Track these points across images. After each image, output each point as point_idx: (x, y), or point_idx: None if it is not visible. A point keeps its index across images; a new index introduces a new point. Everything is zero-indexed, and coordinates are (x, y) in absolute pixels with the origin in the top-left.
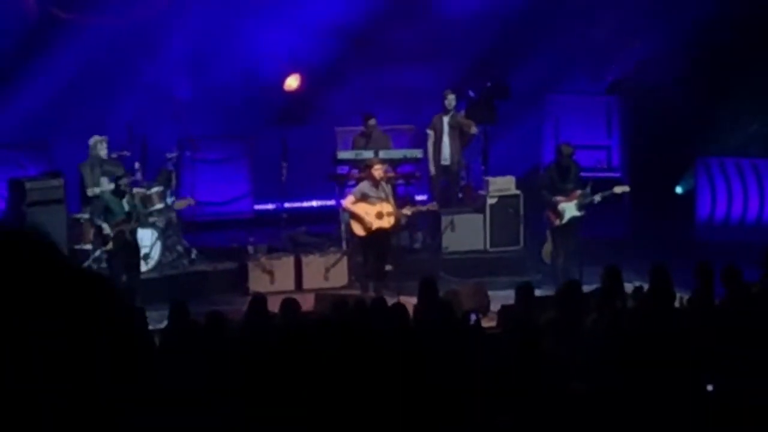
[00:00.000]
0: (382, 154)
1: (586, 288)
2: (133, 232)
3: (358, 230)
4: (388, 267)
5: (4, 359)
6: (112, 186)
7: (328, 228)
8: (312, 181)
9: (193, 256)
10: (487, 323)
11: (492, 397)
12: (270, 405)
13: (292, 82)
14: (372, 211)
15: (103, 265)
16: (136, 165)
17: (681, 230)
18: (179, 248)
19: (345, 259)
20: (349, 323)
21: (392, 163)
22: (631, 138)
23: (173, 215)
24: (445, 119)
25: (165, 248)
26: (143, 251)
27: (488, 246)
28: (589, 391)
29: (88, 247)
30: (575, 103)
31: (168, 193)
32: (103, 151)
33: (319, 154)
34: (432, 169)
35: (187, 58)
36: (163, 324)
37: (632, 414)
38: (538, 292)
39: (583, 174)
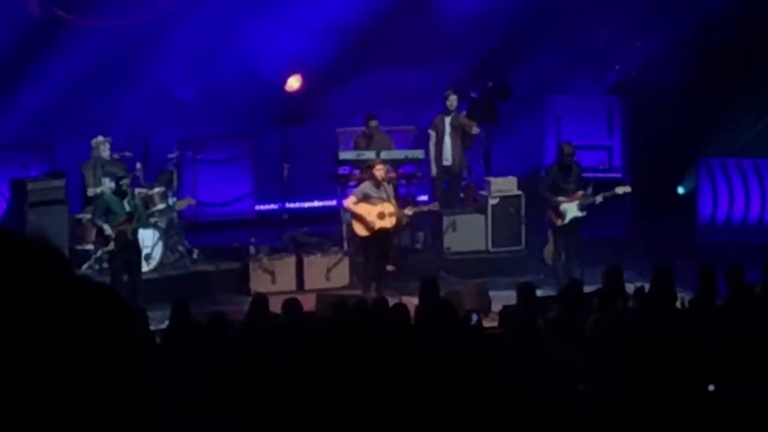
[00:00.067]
0: (383, 154)
1: (587, 288)
2: (135, 233)
3: (360, 230)
4: (390, 267)
5: (3, 361)
6: (112, 185)
7: (329, 228)
8: (314, 181)
9: (194, 256)
10: (489, 323)
11: (493, 398)
12: (271, 405)
13: (294, 82)
14: (374, 212)
15: (105, 265)
16: (138, 165)
17: (682, 231)
18: (181, 248)
19: (346, 260)
20: (350, 323)
21: (394, 164)
22: (633, 138)
23: (175, 215)
24: (447, 120)
25: (167, 248)
26: (145, 251)
27: (490, 246)
28: (591, 392)
29: (90, 247)
30: (577, 104)
31: (169, 193)
32: (105, 153)
33: (321, 154)
34: (434, 169)
35: (189, 58)
36: (165, 324)
37: (634, 414)
38: (539, 293)
39: (584, 174)
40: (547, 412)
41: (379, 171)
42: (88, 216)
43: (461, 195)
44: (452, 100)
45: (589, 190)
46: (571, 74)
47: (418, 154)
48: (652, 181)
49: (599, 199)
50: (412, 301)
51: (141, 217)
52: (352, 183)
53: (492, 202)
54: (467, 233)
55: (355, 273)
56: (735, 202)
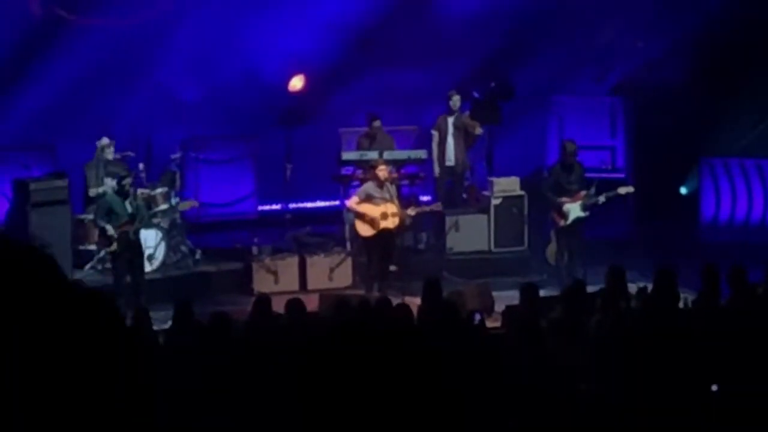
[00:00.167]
0: (386, 154)
1: (590, 288)
2: (137, 233)
3: (364, 231)
4: (393, 267)
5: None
6: (114, 184)
7: (332, 229)
8: (316, 181)
9: (197, 256)
10: (492, 323)
11: (496, 398)
12: (275, 405)
13: (297, 82)
14: (376, 212)
15: (108, 265)
16: (141, 166)
17: (685, 231)
18: (183, 249)
19: (349, 260)
20: (352, 323)
21: (396, 164)
22: (636, 139)
23: (177, 216)
24: (450, 120)
25: (169, 249)
26: (147, 252)
27: (492, 246)
28: (594, 392)
29: (93, 247)
30: (579, 104)
31: (172, 193)
32: (110, 155)
33: (324, 154)
34: (436, 169)
35: (191, 58)
36: (168, 325)
37: (637, 415)
38: (542, 293)
39: (587, 174)
40: (549, 412)
41: (382, 171)
42: (91, 216)
43: (464, 195)
44: (455, 101)
45: (592, 190)
46: (574, 74)
47: (421, 154)
48: (655, 182)
49: (602, 199)
50: (414, 302)
51: (143, 217)
52: (354, 183)
53: (495, 202)
54: (470, 233)
55: (358, 273)
56: (737, 202)
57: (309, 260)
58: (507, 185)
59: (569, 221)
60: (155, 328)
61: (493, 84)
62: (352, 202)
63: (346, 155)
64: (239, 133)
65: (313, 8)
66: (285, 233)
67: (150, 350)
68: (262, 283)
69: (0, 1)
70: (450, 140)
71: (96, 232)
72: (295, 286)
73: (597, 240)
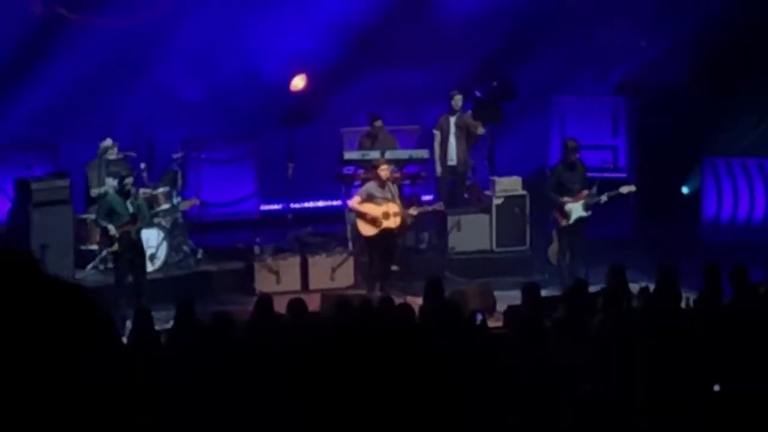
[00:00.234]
0: (388, 154)
1: (592, 288)
2: (138, 233)
3: (365, 230)
4: (394, 267)
5: None
6: (115, 183)
7: (334, 228)
8: (318, 181)
9: (199, 256)
10: (493, 323)
11: (499, 398)
12: (276, 405)
13: (299, 82)
14: (378, 212)
15: (109, 265)
16: (142, 165)
17: (687, 230)
18: (185, 248)
19: (351, 260)
20: (354, 323)
21: (398, 164)
22: (638, 138)
23: (179, 216)
24: (452, 120)
25: (171, 249)
26: (149, 252)
27: (494, 246)
28: (596, 392)
29: (95, 247)
30: (581, 104)
31: (174, 193)
32: (112, 156)
33: (326, 154)
34: (438, 169)
35: (193, 58)
36: (170, 324)
37: (639, 415)
38: (544, 292)
39: (589, 174)
40: (552, 412)
41: (384, 171)
42: (93, 216)
43: (466, 195)
44: (457, 100)
45: (594, 190)
46: (576, 74)
47: (423, 153)
48: (657, 181)
49: (604, 198)
50: (416, 301)
51: (144, 217)
52: (356, 183)
53: (496, 201)
54: (472, 233)
55: (359, 273)
56: (739, 201)
57: (311, 260)
58: (509, 185)
59: (571, 221)
60: (157, 328)
61: (495, 84)
62: (354, 202)
63: (348, 155)
64: (241, 133)
65: (313, 8)
66: (287, 233)
67: (149, 350)
68: (263, 282)
69: (1, 1)
70: (452, 140)
71: (98, 232)
72: (297, 286)
73: (599, 239)
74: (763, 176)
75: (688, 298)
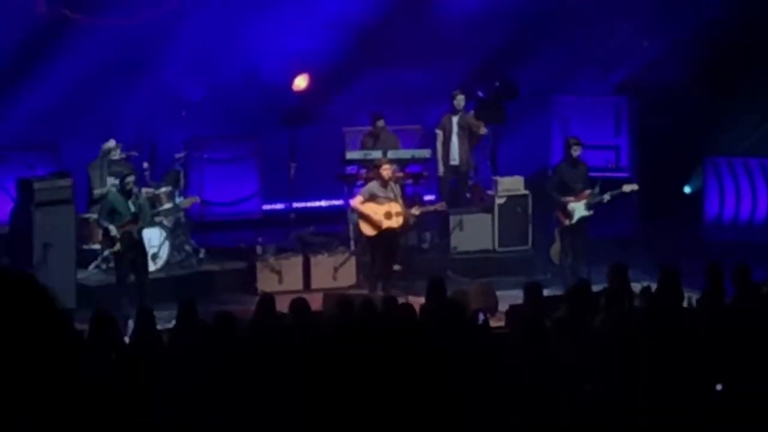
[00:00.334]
0: (390, 154)
1: (594, 288)
2: (140, 233)
3: (367, 230)
4: (397, 267)
5: None
6: (116, 182)
7: (336, 228)
8: (320, 181)
9: (201, 255)
10: (495, 323)
11: (500, 398)
12: (279, 404)
13: (301, 82)
14: (380, 211)
15: (111, 265)
16: (145, 165)
17: (689, 230)
18: (187, 248)
19: (353, 259)
20: (356, 323)
21: (400, 163)
22: (640, 138)
23: (182, 215)
24: (454, 119)
25: (173, 248)
26: (152, 251)
27: (497, 246)
28: (599, 392)
29: (97, 247)
30: (583, 103)
31: (176, 193)
32: (116, 157)
33: (328, 154)
34: (441, 169)
35: (195, 58)
36: (172, 324)
37: (641, 414)
38: (546, 292)
39: (591, 174)
40: (553, 412)
41: (386, 170)
42: (95, 216)
43: (468, 194)
44: (459, 100)
45: (596, 189)
46: (578, 74)
47: (425, 153)
48: (659, 181)
49: (606, 197)
50: (418, 301)
51: (146, 216)
52: (359, 182)
53: (499, 201)
54: (474, 233)
55: (362, 273)
56: (742, 201)
57: (313, 260)
58: (511, 185)
59: (574, 220)
60: (159, 327)
61: (497, 83)
62: (356, 202)
63: (350, 154)
64: (243, 133)
65: (314, 8)
66: (289, 233)
67: (151, 349)
68: (266, 282)
69: (5, 1)
70: (454, 139)
71: (100, 232)
72: (299, 286)
73: (601, 239)
74: (765, 176)
75: (690, 297)
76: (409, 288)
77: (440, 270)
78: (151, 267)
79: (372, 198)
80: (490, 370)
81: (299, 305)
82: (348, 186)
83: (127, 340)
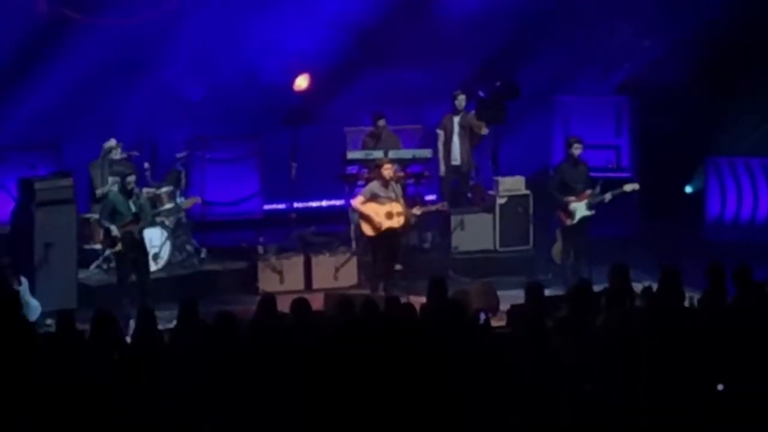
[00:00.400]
0: (391, 153)
1: (596, 287)
2: (141, 233)
3: (368, 230)
4: (398, 267)
5: None
6: (118, 181)
7: (337, 228)
8: (321, 180)
9: (202, 255)
10: (497, 323)
11: (502, 397)
12: (280, 404)
13: (302, 82)
14: (382, 211)
15: (113, 265)
16: (146, 165)
17: (690, 230)
18: (189, 248)
19: (354, 259)
20: (357, 323)
21: (402, 163)
22: (641, 138)
23: (183, 215)
24: (456, 119)
25: (174, 248)
26: (153, 251)
27: (498, 246)
28: (599, 391)
29: (98, 246)
30: (585, 103)
31: (178, 193)
32: (116, 156)
33: (329, 153)
34: (442, 169)
35: (196, 58)
36: (173, 324)
37: (642, 414)
38: (547, 292)
39: (592, 174)
40: (554, 411)
41: (388, 170)
42: (96, 216)
43: (469, 194)
44: (461, 100)
45: (597, 189)
46: (579, 74)
47: (426, 153)
48: (660, 181)
49: (608, 197)
50: (419, 301)
51: (147, 216)
52: (360, 182)
53: (500, 201)
54: (475, 233)
55: (363, 272)
56: (743, 201)
57: (314, 259)
58: (512, 184)
59: (576, 220)
60: (160, 327)
61: (498, 83)
62: (357, 202)
63: (352, 154)
64: (244, 133)
65: (314, 8)
66: (290, 232)
67: (152, 349)
68: (267, 282)
69: (5, 1)
70: (456, 139)
71: (101, 232)
72: (301, 286)
73: (602, 239)
74: (767, 176)
75: (691, 297)
76: (410, 288)
77: (441, 270)
78: (153, 267)
79: (373, 198)
80: (491, 370)
81: (300, 305)
82: (349, 186)
83: (128, 340)
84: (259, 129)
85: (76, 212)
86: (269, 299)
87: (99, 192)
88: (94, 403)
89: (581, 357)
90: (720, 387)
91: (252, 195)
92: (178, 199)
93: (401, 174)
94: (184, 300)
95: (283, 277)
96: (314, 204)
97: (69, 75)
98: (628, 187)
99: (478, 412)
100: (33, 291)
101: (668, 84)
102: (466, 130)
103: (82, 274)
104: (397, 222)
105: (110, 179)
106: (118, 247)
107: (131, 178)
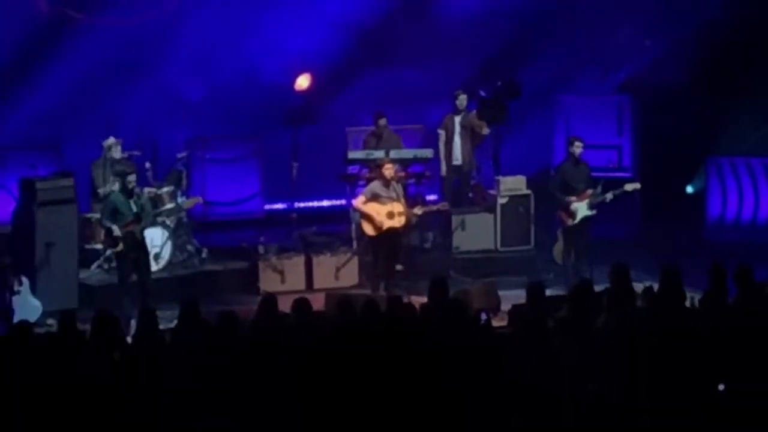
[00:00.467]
0: (392, 153)
1: (597, 287)
2: (143, 232)
3: (369, 230)
4: (399, 266)
5: None
6: (119, 180)
7: (338, 228)
8: (323, 180)
9: (203, 255)
10: (498, 323)
11: (503, 397)
12: (281, 404)
13: (303, 81)
14: (383, 211)
15: (114, 265)
16: (147, 165)
17: (691, 230)
18: (190, 248)
19: (356, 259)
20: (358, 323)
21: (403, 163)
22: (642, 138)
23: (184, 215)
24: (457, 119)
25: (175, 248)
26: (154, 251)
27: (499, 246)
28: (599, 392)
29: (99, 246)
30: (586, 103)
31: (179, 192)
32: (117, 154)
33: (330, 153)
34: (443, 168)
35: (197, 58)
36: (174, 324)
37: (643, 415)
38: (548, 292)
39: (594, 174)
40: (555, 412)
41: (389, 170)
42: (97, 215)
43: (470, 194)
44: (462, 100)
45: (599, 189)
46: (580, 74)
47: (427, 153)
48: (662, 180)
49: (609, 196)
50: (421, 301)
51: (148, 216)
52: (361, 182)
53: (501, 201)
54: (476, 232)
55: (364, 272)
56: (744, 201)
57: (315, 259)
58: (513, 184)
59: (577, 220)
60: (162, 327)
61: (499, 83)
62: (358, 202)
63: (353, 154)
64: (245, 133)
65: (314, 8)
66: (291, 232)
67: (153, 349)
68: (268, 282)
69: (5, 1)
70: (457, 139)
71: (102, 231)
72: (302, 286)
73: (603, 239)
74: None
75: (692, 297)
76: (411, 288)
77: (442, 270)
78: (154, 267)
79: (374, 198)
80: (492, 369)
81: (301, 305)
82: (350, 186)
83: (129, 340)
84: (259, 129)
85: (77, 212)
86: (270, 299)
87: (101, 191)
88: (96, 403)
89: (582, 357)
90: (721, 387)
91: (253, 195)
92: (180, 199)
93: (402, 174)
94: (185, 300)
95: (284, 277)
96: (315, 204)
97: (69, 75)
98: (630, 187)
99: (479, 412)
100: (34, 291)
101: (669, 84)
102: (468, 130)
103: (83, 274)
104: (398, 222)
105: (111, 179)
106: (120, 246)
107: (132, 178)
